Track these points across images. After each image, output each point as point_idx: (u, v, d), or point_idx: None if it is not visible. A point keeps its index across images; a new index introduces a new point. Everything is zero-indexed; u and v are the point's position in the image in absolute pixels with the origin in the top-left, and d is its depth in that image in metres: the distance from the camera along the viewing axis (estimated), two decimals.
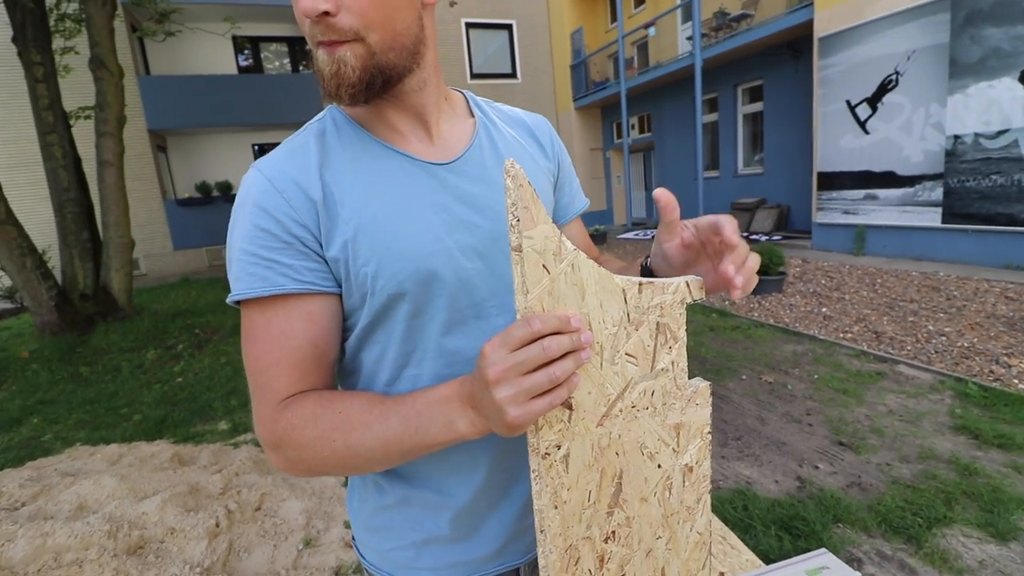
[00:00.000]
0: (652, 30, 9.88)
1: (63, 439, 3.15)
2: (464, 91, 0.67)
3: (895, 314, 4.21)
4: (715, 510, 1.95)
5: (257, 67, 11.98)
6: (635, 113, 12.04)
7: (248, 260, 0.51)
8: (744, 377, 3.31)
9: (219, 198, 10.82)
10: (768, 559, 1.68)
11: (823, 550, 0.71)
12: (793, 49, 7.80)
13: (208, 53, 11.15)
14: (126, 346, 5.04)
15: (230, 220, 0.54)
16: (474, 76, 12.43)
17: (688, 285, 0.51)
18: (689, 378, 0.53)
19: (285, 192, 0.51)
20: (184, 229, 10.65)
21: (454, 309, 0.56)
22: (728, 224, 0.49)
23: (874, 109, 6.16)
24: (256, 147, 11.86)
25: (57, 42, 6.34)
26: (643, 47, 11.70)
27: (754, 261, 0.50)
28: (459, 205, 0.56)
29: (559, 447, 0.45)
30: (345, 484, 2.36)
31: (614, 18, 12.28)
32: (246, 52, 11.86)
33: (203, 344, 5.05)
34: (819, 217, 7.08)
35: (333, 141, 0.56)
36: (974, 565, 1.65)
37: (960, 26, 5.25)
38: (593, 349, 0.45)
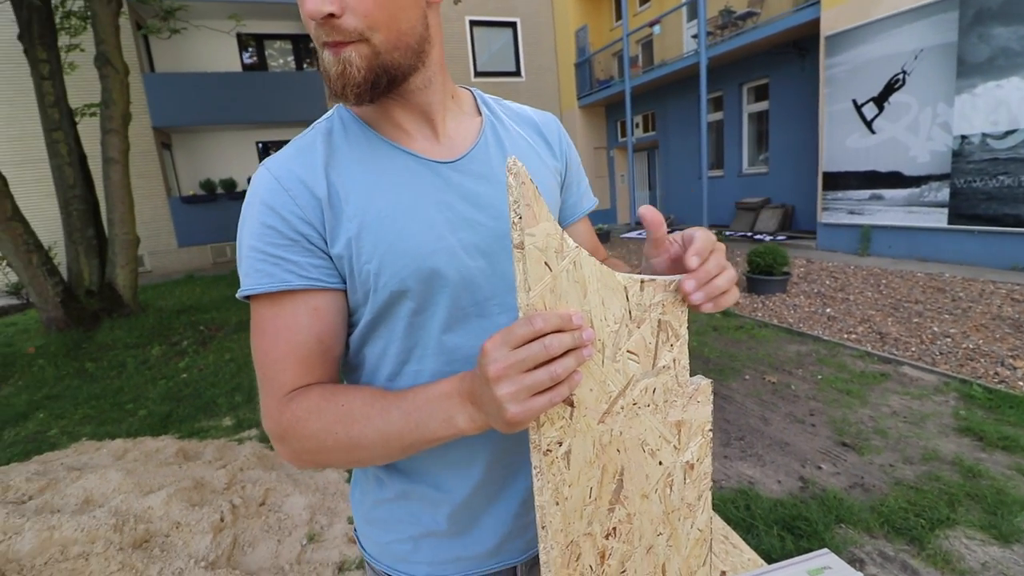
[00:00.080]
0: (657, 28, 9.84)
1: (69, 434, 3.18)
2: (472, 89, 0.67)
3: (900, 315, 4.19)
4: (717, 509, 1.95)
5: (261, 65, 12.00)
6: (639, 112, 12.01)
7: (256, 257, 0.52)
8: (747, 377, 3.30)
9: (223, 196, 10.86)
10: (770, 559, 1.68)
11: (825, 550, 0.71)
12: (799, 48, 7.76)
13: (213, 51, 11.18)
14: (131, 342, 5.07)
15: (240, 217, 0.55)
16: (478, 74, 12.42)
17: None
18: (691, 376, 0.53)
19: (291, 190, 0.52)
20: (188, 226, 10.70)
21: (456, 307, 0.56)
22: (696, 242, 0.49)
23: (880, 109, 6.12)
24: (260, 145, 11.89)
25: (63, 39, 6.38)
26: (648, 45, 11.66)
27: (724, 280, 0.49)
28: (463, 203, 0.56)
29: (561, 444, 0.46)
30: (348, 480, 2.37)
31: (619, 16, 12.24)
32: (251, 50, 11.89)
33: (207, 341, 5.08)
34: (824, 217, 7.04)
35: (340, 140, 0.56)
36: (977, 567, 1.64)
37: (968, 25, 5.21)
38: (595, 346, 0.46)
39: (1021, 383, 2.85)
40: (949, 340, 3.56)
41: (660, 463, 0.52)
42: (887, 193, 6.20)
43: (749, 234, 8.52)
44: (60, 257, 6.75)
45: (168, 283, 9.07)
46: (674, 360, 0.51)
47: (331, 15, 0.46)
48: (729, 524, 1.85)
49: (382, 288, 0.54)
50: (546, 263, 0.42)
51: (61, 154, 5.79)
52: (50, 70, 5.67)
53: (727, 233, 8.66)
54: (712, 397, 0.55)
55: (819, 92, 6.88)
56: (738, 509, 2.00)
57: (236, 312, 6.16)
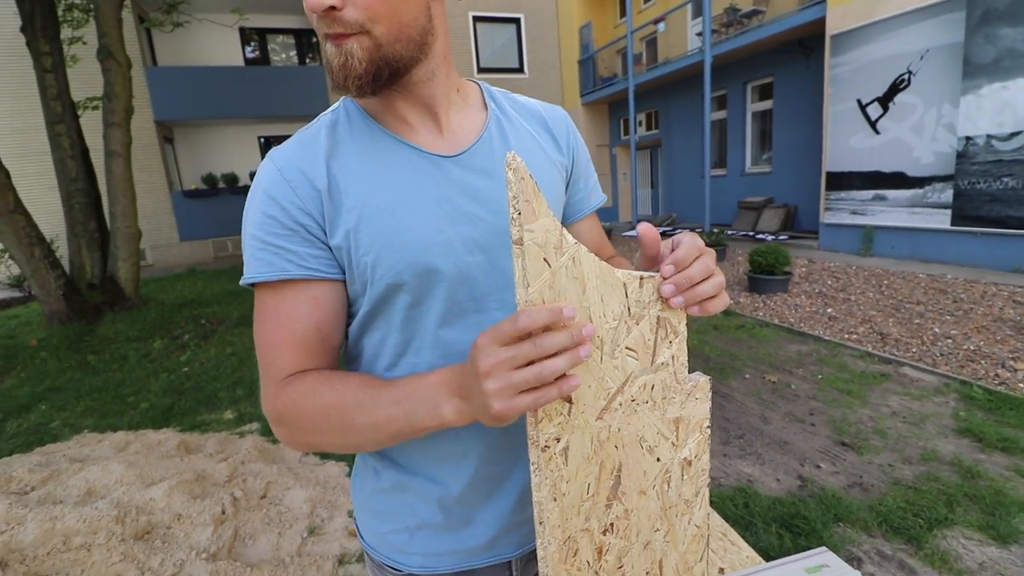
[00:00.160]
0: (662, 26, 9.80)
1: (71, 426, 3.19)
2: (480, 82, 0.67)
3: (901, 316, 4.18)
4: (716, 507, 1.95)
5: (264, 59, 11.98)
6: (643, 110, 11.97)
7: (258, 246, 0.53)
8: (748, 376, 3.31)
9: (225, 190, 10.87)
10: (768, 556, 1.68)
11: (823, 548, 0.71)
12: (804, 46, 7.72)
13: (215, 45, 11.17)
14: (133, 335, 5.09)
15: (245, 206, 0.56)
16: (481, 70, 12.38)
17: None
18: (689, 373, 0.54)
19: (292, 182, 0.53)
20: (190, 220, 10.71)
21: (453, 302, 0.57)
22: (679, 250, 0.49)
23: (885, 109, 6.10)
24: (262, 139, 11.88)
25: (65, 32, 6.37)
26: (652, 43, 11.60)
27: (710, 286, 0.49)
28: (463, 198, 0.56)
29: (558, 440, 0.46)
30: (349, 474, 2.38)
31: (623, 13, 12.18)
32: (253, 44, 11.86)
33: (209, 334, 5.09)
34: (826, 217, 7.02)
35: (344, 132, 0.57)
36: (974, 567, 1.65)
37: (975, 25, 5.18)
38: (593, 343, 0.46)
39: (1021, 385, 2.85)
40: (950, 341, 3.55)
41: (658, 459, 0.53)
42: (890, 194, 6.18)
43: (751, 233, 8.50)
44: (62, 250, 6.78)
45: (170, 277, 9.09)
46: (673, 357, 0.51)
47: (332, 7, 0.47)
48: (728, 522, 1.85)
49: (379, 281, 0.54)
50: (545, 259, 0.42)
51: (63, 147, 5.79)
52: (53, 63, 5.67)
53: (729, 232, 8.64)
54: (710, 394, 0.55)
55: (824, 91, 6.84)
56: (737, 507, 2.01)
57: (238, 306, 6.17)
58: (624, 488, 0.51)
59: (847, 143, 6.58)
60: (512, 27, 12.67)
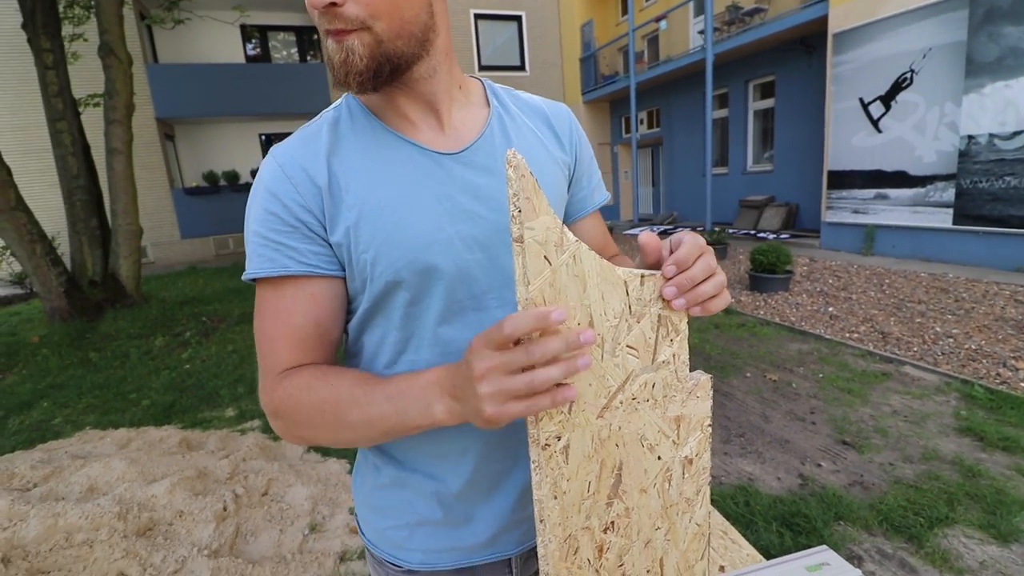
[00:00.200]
0: (663, 24, 9.77)
1: (73, 423, 3.20)
2: (483, 79, 0.66)
3: (902, 315, 4.18)
4: (717, 505, 1.95)
5: (265, 56, 11.97)
6: (644, 108, 11.94)
7: (259, 241, 0.54)
8: (748, 375, 3.30)
9: (226, 188, 10.87)
10: (769, 554, 1.68)
11: (824, 547, 0.71)
12: (807, 45, 7.69)
13: (216, 42, 11.16)
14: (134, 332, 5.09)
15: (247, 202, 0.57)
16: (482, 68, 12.36)
17: None
18: (690, 371, 0.53)
19: (293, 178, 0.53)
20: (191, 218, 10.72)
21: (452, 300, 0.56)
22: (681, 250, 0.48)
23: (887, 107, 6.08)
24: (263, 137, 11.88)
25: (66, 29, 6.37)
26: (654, 41, 11.58)
27: (711, 285, 0.49)
28: (464, 195, 0.56)
29: (559, 438, 0.46)
30: (350, 472, 2.38)
31: (625, 11, 12.15)
32: (254, 41, 11.85)
33: (210, 332, 5.10)
34: (828, 216, 7.01)
35: (346, 129, 0.57)
36: (975, 565, 1.65)
37: (978, 24, 5.15)
38: (594, 341, 0.46)
39: (1023, 384, 2.85)
40: (951, 340, 3.55)
41: (659, 458, 0.53)
42: (892, 193, 6.16)
43: (752, 232, 8.49)
44: (64, 247, 6.79)
45: (171, 274, 9.10)
46: (674, 355, 0.51)
47: (333, 3, 0.47)
48: (728, 520, 1.85)
49: (378, 278, 0.54)
50: (545, 257, 0.42)
51: (65, 144, 5.79)
52: (54, 59, 5.67)
53: (730, 231, 8.63)
54: (712, 393, 0.55)
55: (826, 90, 6.83)
56: (737, 505, 2.01)
57: (239, 304, 6.18)
58: (625, 486, 0.51)
59: (849, 142, 6.56)
60: (513, 24, 12.64)
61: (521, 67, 12.83)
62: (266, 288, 0.55)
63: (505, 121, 0.62)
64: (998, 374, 2.99)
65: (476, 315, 0.58)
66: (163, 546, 1.74)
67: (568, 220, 0.71)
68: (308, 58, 12.26)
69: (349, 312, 0.60)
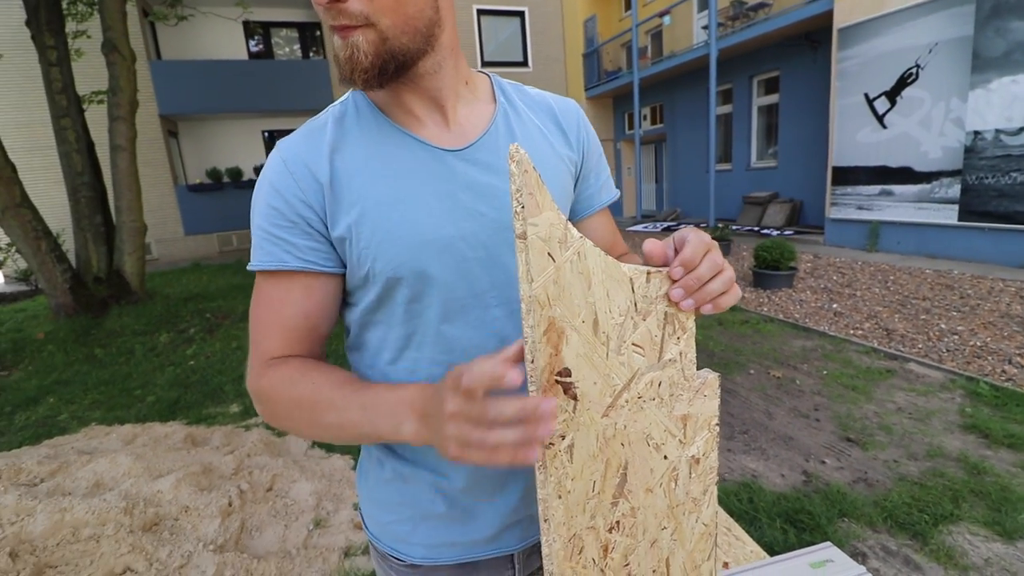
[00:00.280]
0: (667, 19, 9.72)
1: (79, 418, 3.22)
2: (491, 74, 0.66)
3: (907, 312, 4.15)
4: (721, 502, 1.94)
5: (268, 53, 11.95)
6: (647, 104, 11.89)
7: (262, 235, 0.55)
8: (752, 371, 3.30)
9: (230, 184, 10.87)
10: (772, 551, 1.68)
11: (827, 543, 0.71)
12: (811, 40, 7.63)
13: (219, 38, 11.14)
14: (139, 329, 5.12)
15: (253, 195, 0.58)
16: (484, 64, 12.31)
17: None
18: (697, 369, 0.53)
19: (295, 174, 0.54)
20: (195, 215, 10.73)
21: (452, 298, 0.56)
22: (686, 249, 0.47)
23: (893, 103, 6.03)
24: (266, 134, 11.88)
25: (70, 26, 6.37)
26: (657, 36, 11.51)
27: (720, 282, 0.48)
28: (466, 193, 0.56)
29: (564, 437, 0.45)
30: (354, 468, 2.39)
31: (628, 6, 12.08)
32: (257, 38, 11.82)
33: (214, 328, 5.11)
34: (832, 212, 6.97)
35: (351, 125, 0.57)
36: (980, 563, 1.65)
37: (985, 18, 5.10)
38: (599, 339, 0.45)
39: None
40: (956, 337, 3.53)
41: (665, 457, 0.52)
42: (897, 189, 6.12)
43: (756, 229, 8.45)
44: (68, 244, 6.82)
45: (175, 271, 9.13)
46: (680, 353, 0.51)
47: None
48: (732, 516, 1.86)
49: (378, 274, 0.55)
50: (549, 254, 0.41)
51: (69, 141, 5.80)
52: (57, 56, 5.67)
53: (734, 227, 8.59)
54: (719, 391, 0.54)
55: (830, 85, 6.77)
56: (741, 502, 2.01)
57: (242, 300, 6.19)
58: (630, 486, 0.51)
59: (854, 137, 6.52)
60: (516, 20, 12.58)
61: (524, 63, 12.77)
62: (264, 279, 0.56)
63: (511, 117, 0.62)
64: (1003, 371, 2.98)
65: (478, 313, 0.57)
66: (169, 541, 1.75)
67: (575, 218, 0.70)
68: (311, 54, 12.23)
69: (352, 307, 0.60)
